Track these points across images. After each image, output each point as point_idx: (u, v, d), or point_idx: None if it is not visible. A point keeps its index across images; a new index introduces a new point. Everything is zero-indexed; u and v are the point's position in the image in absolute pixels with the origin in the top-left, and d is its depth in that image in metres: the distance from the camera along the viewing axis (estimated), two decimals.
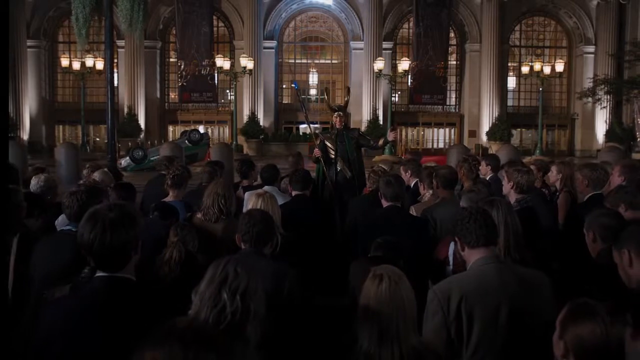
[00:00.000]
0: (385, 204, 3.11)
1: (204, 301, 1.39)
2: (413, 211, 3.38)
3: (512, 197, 3.10)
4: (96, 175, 3.83)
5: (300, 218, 3.14)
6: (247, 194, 3.57)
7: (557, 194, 4.06)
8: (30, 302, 2.07)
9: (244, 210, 2.99)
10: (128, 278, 1.54)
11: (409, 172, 4.45)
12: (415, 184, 4.24)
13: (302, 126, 25.70)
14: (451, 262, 2.44)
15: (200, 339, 0.95)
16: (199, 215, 2.99)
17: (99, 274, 1.53)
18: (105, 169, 4.33)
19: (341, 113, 5.87)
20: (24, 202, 2.65)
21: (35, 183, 3.47)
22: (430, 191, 3.57)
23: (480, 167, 4.49)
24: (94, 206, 1.62)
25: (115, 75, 26.90)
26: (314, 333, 2.01)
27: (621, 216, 2.28)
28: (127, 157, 15.98)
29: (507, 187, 3.17)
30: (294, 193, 3.63)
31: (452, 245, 2.36)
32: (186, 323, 0.99)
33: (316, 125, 21.53)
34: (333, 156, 5.68)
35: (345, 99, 6.84)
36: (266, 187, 3.69)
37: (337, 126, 5.79)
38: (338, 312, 2.38)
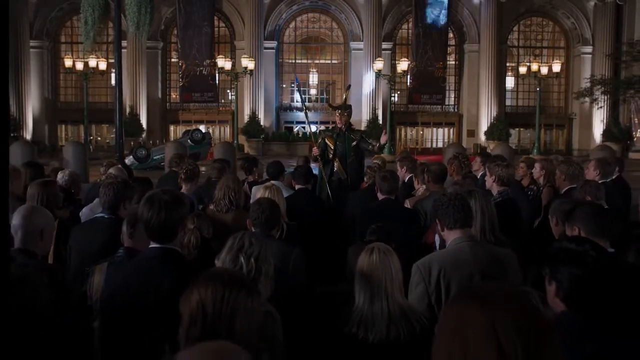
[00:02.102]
0: (380, 196, 3.42)
1: (225, 264, 1.72)
2: (407, 204, 3.68)
3: (495, 190, 3.41)
4: (112, 171, 4.13)
5: (303, 209, 3.46)
6: (254, 188, 3.88)
7: (542, 188, 4.38)
8: (69, 276, 2.38)
9: (252, 199, 3.30)
10: (175, 249, 1.89)
11: (405, 168, 4.76)
12: (410, 179, 4.54)
13: (295, 129, 25.96)
14: (437, 246, 2.73)
15: (235, 280, 1.27)
16: (211, 206, 3.29)
17: (152, 244, 1.86)
18: (120, 166, 4.64)
19: (341, 111, 5.74)
20: (59, 192, 2.95)
21: (61, 177, 3.78)
22: (424, 186, 3.87)
23: (473, 163, 4.83)
24: (148, 193, 1.94)
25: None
26: (316, 305, 2.31)
27: (579, 202, 2.58)
28: (131, 156, 16.25)
29: (489, 181, 3.48)
30: (297, 187, 3.96)
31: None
32: (224, 270, 1.30)
33: (314, 129, 21.76)
34: (331, 156, 5.59)
35: (344, 96, 6.66)
36: (272, 181, 3.99)
37: (339, 125, 5.69)
38: (337, 296, 2.67)
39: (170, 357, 1.13)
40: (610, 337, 1.30)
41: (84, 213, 3.35)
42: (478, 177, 4.44)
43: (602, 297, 1.33)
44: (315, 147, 5.67)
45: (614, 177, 4.49)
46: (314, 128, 20.77)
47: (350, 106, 6.13)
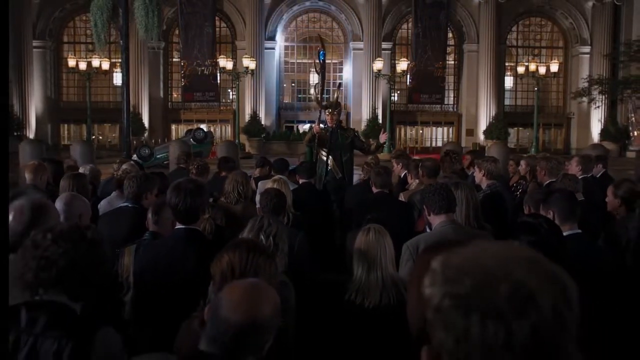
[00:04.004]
0: (375, 190, 3.71)
1: None
2: (402, 197, 3.97)
3: (484, 183, 3.70)
4: (125, 167, 4.40)
5: (307, 200, 3.76)
6: (260, 183, 4.19)
7: (527, 184, 4.67)
8: None
9: (259, 193, 3.60)
10: (198, 230, 2.22)
11: (400, 165, 5.05)
12: (405, 174, 4.83)
13: (299, 127, 26.23)
14: None
15: (257, 247, 1.56)
16: (221, 198, 3.57)
17: (178, 226, 2.13)
18: (132, 162, 4.93)
19: (331, 110, 5.61)
20: (88, 185, 3.23)
21: (82, 172, 4.05)
22: (417, 180, 4.15)
23: (464, 161, 5.14)
24: (175, 182, 2.24)
25: (120, 75, 27.31)
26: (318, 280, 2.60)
27: (551, 191, 2.86)
28: (134, 155, 16.49)
29: (479, 175, 3.77)
30: (300, 181, 4.28)
31: None
32: (248, 239, 1.59)
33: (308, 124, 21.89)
34: (325, 155, 5.48)
35: (335, 95, 6.41)
36: (279, 175, 4.28)
37: (329, 124, 5.59)
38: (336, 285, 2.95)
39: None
40: None
41: (102, 205, 3.62)
42: (469, 173, 4.73)
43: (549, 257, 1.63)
44: (316, 126, 5.51)
45: (598, 174, 4.80)
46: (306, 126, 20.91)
47: (340, 104, 5.98)
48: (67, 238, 1.28)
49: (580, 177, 4.01)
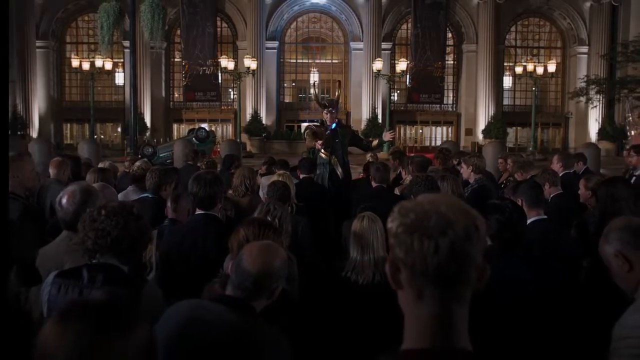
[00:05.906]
0: (374, 185, 4.03)
1: None
2: (397, 191, 4.28)
3: (472, 178, 4.01)
4: (140, 164, 4.69)
5: (307, 194, 4.07)
6: (263, 179, 4.51)
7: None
8: None
9: (262, 188, 3.92)
10: (215, 215, 2.57)
11: (396, 161, 5.37)
12: (400, 171, 5.15)
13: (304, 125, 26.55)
14: None
15: (267, 223, 1.89)
16: (230, 191, 3.87)
17: (198, 211, 2.44)
18: (145, 159, 5.24)
19: (332, 109, 5.51)
20: (112, 178, 3.53)
21: (102, 166, 4.36)
22: (410, 176, 4.46)
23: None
24: (196, 173, 2.56)
25: (122, 75, 27.44)
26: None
27: (518, 183, 3.19)
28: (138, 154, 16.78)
29: (466, 171, 4.08)
30: (301, 176, 4.61)
31: None
32: (259, 218, 1.90)
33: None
34: (326, 155, 5.39)
35: (337, 93, 6.27)
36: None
37: (328, 123, 5.49)
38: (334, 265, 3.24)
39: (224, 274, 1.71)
40: (504, 256, 2.01)
41: (119, 199, 3.91)
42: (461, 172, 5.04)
43: (512, 232, 1.97)
44: (318, 143, 5.45)
45: (580, 171, 5.13)
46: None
47: (338, 102, 5.89)
48: (118, 213, 1.61)
49: (562, 173, 4.34)
